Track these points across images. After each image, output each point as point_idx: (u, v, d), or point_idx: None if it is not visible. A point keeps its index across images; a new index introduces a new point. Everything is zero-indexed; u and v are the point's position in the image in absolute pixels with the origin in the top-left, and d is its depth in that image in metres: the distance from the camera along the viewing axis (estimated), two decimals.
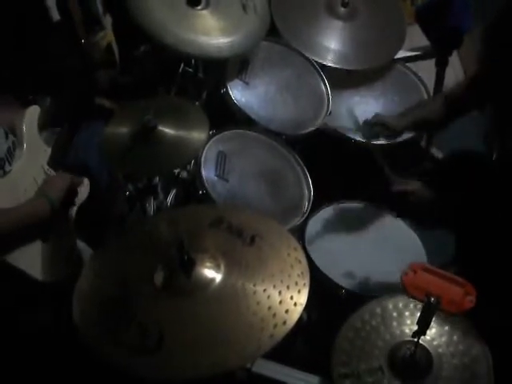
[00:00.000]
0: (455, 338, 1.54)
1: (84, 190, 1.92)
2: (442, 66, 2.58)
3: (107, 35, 2.52)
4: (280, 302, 1.37)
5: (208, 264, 1.44)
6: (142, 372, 1.33)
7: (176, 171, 2.12)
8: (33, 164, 1.82)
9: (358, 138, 2.33)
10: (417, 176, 2.33)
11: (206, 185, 1.95)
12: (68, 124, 1.99)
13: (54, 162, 1.88)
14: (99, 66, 2.50)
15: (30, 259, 1.71)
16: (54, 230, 1.80)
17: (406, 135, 2.40)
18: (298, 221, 2.03)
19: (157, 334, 1.34)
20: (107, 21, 2.63)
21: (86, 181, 1.93)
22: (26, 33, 2.21)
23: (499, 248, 1.86)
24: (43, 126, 1.91)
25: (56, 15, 2.38)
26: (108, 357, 1.36)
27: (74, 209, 1.89)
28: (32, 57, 2.20)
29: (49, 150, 1.89)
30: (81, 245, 1.93)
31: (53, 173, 1.86)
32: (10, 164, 1.74)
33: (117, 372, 1.37)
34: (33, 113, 1.86)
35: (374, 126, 2.25)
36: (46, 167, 1.85)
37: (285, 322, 1.34)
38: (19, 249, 1.68)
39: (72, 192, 1.82)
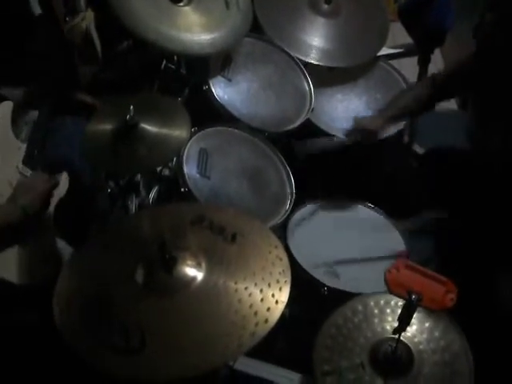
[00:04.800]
0: (436, 334, 1.54)
1: (63, 185, 1.89)
2: (424, 64, 2.58)
3: (86, 16, 2.48)
4: (261, 300, 1.37)
5: (189, 262, 1.44)
6: (124, 372, 1.32)
7: (158, 168, 2.11)
8: (6, 165, 1.77)
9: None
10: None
11: (188, 182, 1.94)
12: (43, 119, 1.95)
13: (30, 159, 1.84)
14: (81, 56, 2.47)
15: (4, 262, 1.68)
16: (29, 231, 1.77)
17: (389, 132, 2.42)
18: (280, 218, 2.03)
19: (139, 333, 1.33)
20: (88, 12, 2.61)
21: (64, 175, 1.90)
22: (7, 27, 2.19)
23: (479, 244, 1.88)
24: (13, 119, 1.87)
25: (38, 10, 2.36)
26: (90, 357, 1.35)
27: (52, 207, 1.86)
28: (12, 52, 2.17)
29: (23, 147, 1.84)
30: (60, 244, 1.91)
31: (28, 172, 1.82)
32: None
33: (100, 372, 1.37)
34: (6, 108, 1.82)
35: (354, 132, 2.21)
36: (21, 166, 1.81)
37: (266, 320, 1.33)
38: None
39: (48, 195, 1.79)
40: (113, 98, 2.05)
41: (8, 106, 1.83)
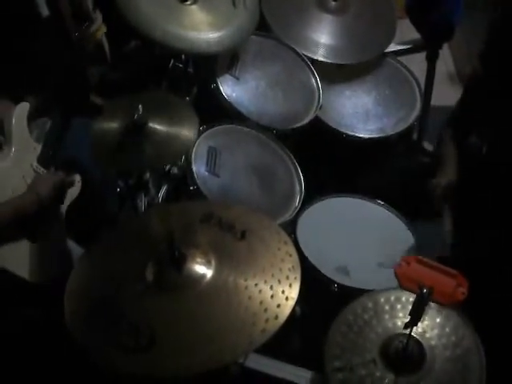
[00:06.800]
0: (447, 329, 1.54)
1: (75, 187, 1.92)
2: (432, 59, 2.58)
3: (101, 27, 2.50)
4: (271, 297, 1.36)
5: (199, 260, 1.44)
6: (134, 369, 1.32)
7: (167, 167, 2.11)
8: (21, 162, 1.81)
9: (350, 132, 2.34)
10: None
11: (197, 180, 1.95)
12: (58, 121, 1.97)
13: (44, 159, 1.87)
14: (90, 59, 2.49)
15: (18, 260, 1.71)
16: (43, 229, 1.79)
17: (398, 128, 2.42)
18: (289, 215, 2.03)
19: (148, 331, 1.33)
20: (97, 16, 2.62)
21: (77, 177, 1.91)
22: (15, 29, 2.20)
23: (490, 238, 1.87)
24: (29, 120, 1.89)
25: (45, 11, 2.37)
26: (100, 355, 1.36)
27: (64, 207, 1.88)
28: (20, 53, 2.18)
29: (38, 148, 1.88)
30: (71, 244, 1.93)
31: (42, 170, 1.85)
32: None
33: (109, 370, 1.37)
34: (22, 109, 1.85)
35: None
36: (35, 165, 1.84)
37: (277, 317, 1.33)
38: (6, 249, 1.67)
39: (62, 191, 1.82)
40: (121, 97, 2.05)
41: (24, 107, 1.85)
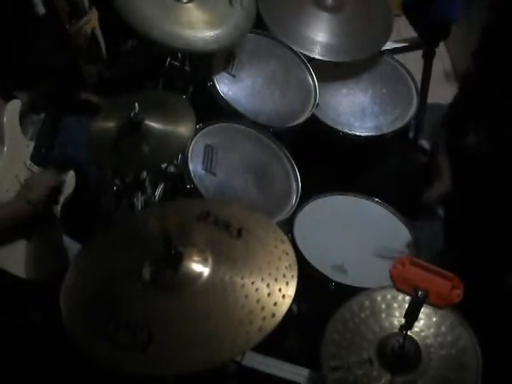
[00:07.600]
0: (443, 328, 1.54)
1: (69, 183, 1.91)
2: (429, 58, 2.58)
3: (91, 20, 2.49)
4: (268, 295, 1.36)
5: (195, 258, 1.44)
6: (131, 368, 1.32)
7: (163, 166, 2.11)
8: (14, 161, 1.80)
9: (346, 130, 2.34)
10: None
11: (194, 179, 1.95)
12: (51, 118, 1.97)
13: (38, 157, 1.86)
14: (85, 55, 2.47)
15: (14, 258, 1.70)
16: (38, 227, 1.79)
17: (394, 126, 2.42)
18: (286, 214, 2.03)
19: (146, 330, 1.33)
20: (93, 15, 2.61)
21: (71, 173, 1.91)
22: (10, 27, 2.19)
23: (487, 238, 1.87)
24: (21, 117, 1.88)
25: (41, 10, 2.36)
26: (97, 354, 1.36)
27: (59, 205, 1.87)
28: (16, 52, 2.18)
29: (31, 145, 1.86)
30: (67, 241, 1.92)
31: (36, 168, 1.84)
32: None
33: (107, 369, 1.37)
34: (14, 106, 1.84)
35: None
36: (29, 162, 1.83)
37: (273, 315, 1.33)
38: (2, 249, 1.66)
39: (56, 191, 1.81)
40: (118, 96, 2.04)
41: (16, 104, 1.84)
